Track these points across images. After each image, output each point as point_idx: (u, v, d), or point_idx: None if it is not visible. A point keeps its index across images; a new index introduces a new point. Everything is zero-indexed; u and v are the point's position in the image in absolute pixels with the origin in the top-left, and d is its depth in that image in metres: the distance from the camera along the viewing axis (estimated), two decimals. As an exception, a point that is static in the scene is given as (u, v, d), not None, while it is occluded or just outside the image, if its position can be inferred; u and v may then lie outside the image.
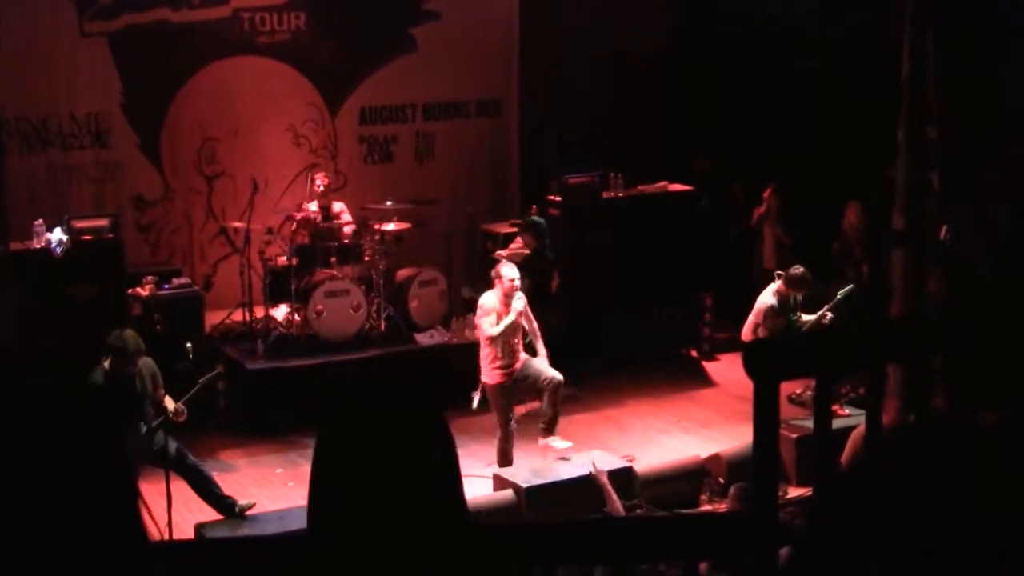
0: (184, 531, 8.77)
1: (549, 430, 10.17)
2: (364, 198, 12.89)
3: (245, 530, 8.87)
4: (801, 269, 10.52)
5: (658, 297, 12.78)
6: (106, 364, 8.52)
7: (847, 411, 10.21)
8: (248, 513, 9.16)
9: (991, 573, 1.09)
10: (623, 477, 9.42)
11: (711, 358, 13.29)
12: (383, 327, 12.08)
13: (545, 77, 13.91)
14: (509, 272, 9.95)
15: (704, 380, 12.88)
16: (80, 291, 10.90)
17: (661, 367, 12.81)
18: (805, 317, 10.64)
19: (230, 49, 13.06)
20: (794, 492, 9.64)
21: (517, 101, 14.29)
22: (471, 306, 11.18)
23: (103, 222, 11.33)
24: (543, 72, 13.92)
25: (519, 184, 14.28)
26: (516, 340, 10.01)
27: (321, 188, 12.27)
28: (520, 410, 10.55)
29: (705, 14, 14.58)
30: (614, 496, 8.73)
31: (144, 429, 8.68)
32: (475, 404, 10.06)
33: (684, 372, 13.00)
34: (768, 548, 2.74)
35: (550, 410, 10.15)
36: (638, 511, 9.13)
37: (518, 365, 10.03)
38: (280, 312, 12.05)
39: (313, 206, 12.22)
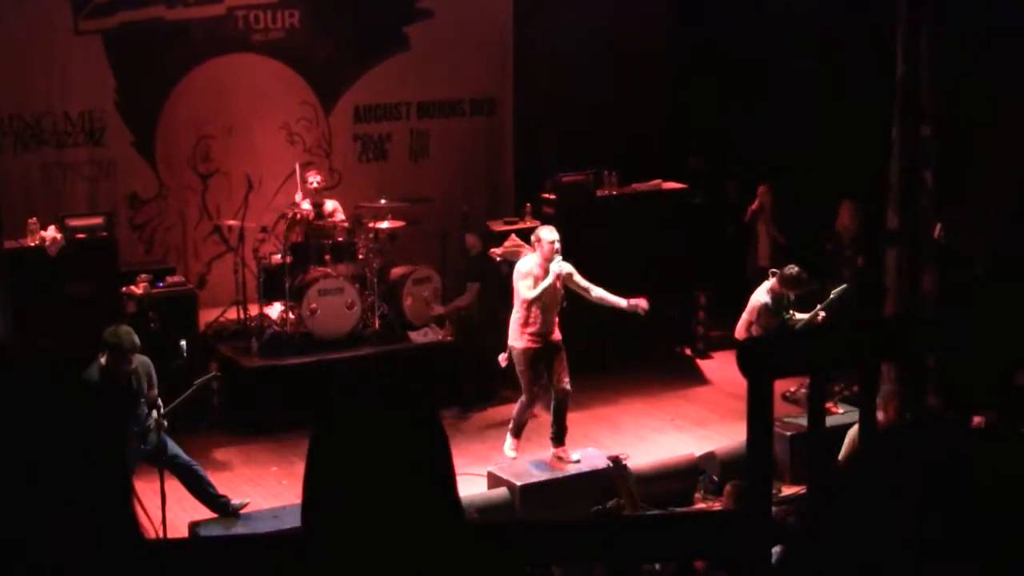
0: (178, 530, 8.78)
1: (558, 440, 10.08)
2: (358, 196, 12.86)
3: (239, 529, 8.88)
4: (796, 268, 10.52)
5: (652, 295, 12.77)
6: (102, 360, 8.51)
7: (840, 409, 10.22)
8: (242, 511, 9.16)
9: (989, 573, 1.09)
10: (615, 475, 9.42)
11: (705, 356, 13.31)
12: (377, 325, 12.08)
13: (540, 76, 13.89)
14: (548, 235, 9.81)
15: (698, 378, 12.89)
16: (76, 290, 10.91)
17: (655, 365, 12.82)
18: (799, 316, 10.64)
19: (224, 47, 13.03)
20: (788, 490, 9.65)
21: (512, 99, 14.27)
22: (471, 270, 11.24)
23: (97, 220, 11.34)
24: (538, 71, 13.90)
25: (514, 183, 14.27)
26: (552, 312, 9.87)
27: (315, 186, 12.26)
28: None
29: (704, 14, 14.57)
30: (636, 498, 8.71)
31: (138, 428, 8.66)
32: (503, 364, 10.10)
33: (678, 370, 13.01)
34: (762, 546, 2.74)
35: (555, 423, 10.06)
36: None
37: (553, 338, 9.92)
38: (274, 310, 12.03)
39: (306, 204, 12.20)
